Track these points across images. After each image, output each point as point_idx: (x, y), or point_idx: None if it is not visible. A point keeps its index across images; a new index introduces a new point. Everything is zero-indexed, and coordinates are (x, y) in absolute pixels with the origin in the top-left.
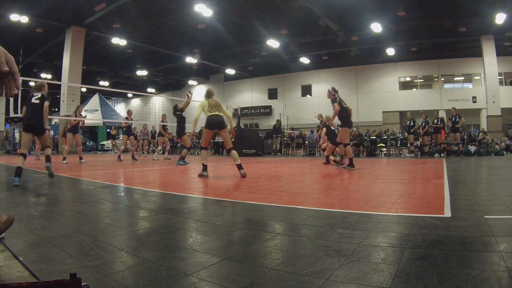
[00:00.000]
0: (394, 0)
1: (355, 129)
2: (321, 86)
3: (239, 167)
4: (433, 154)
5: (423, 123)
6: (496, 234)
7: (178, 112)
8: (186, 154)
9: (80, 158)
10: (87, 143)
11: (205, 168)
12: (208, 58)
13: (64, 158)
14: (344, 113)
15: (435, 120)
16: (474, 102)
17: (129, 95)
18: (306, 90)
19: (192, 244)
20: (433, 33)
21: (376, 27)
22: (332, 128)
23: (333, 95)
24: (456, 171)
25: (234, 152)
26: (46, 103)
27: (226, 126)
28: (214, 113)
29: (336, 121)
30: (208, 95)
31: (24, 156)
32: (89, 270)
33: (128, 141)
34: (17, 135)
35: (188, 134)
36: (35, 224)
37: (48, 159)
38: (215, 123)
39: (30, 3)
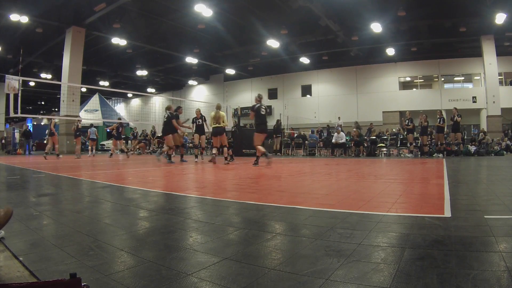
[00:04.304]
0: (394, 0)
1: (354, 129)
2: (321, 86)
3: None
4: (432, 154)
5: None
6: (496, 234)
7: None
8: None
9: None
10: (87, 143)
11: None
12: (208, 58)
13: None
14: (258, 119)
15: (439, 120)
16: (474, 102)
17: (129, 95)
18: (306, 90)
19: (192, 244)
20: (433, 33)
21: (376, 27)
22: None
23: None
24: (456, 171)
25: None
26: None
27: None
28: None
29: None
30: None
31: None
32: (89, 270)
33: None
34: (17, 135)
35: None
36: (35, 224)
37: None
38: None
39: (30, 3)
